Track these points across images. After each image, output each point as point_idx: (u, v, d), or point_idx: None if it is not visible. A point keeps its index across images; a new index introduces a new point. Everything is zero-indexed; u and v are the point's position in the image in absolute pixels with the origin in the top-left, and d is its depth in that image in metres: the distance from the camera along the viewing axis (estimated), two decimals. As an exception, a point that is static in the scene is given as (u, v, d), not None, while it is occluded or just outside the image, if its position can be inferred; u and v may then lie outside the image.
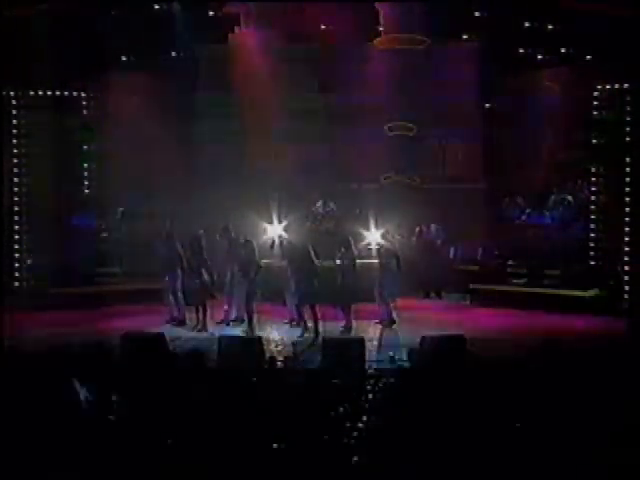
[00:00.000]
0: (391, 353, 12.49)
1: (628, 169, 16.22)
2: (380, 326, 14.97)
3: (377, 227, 15.73)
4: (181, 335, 14.36)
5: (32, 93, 17.46)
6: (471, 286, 17.41)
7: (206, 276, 14.90)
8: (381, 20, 19.96)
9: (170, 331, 14.05)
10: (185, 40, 19.20)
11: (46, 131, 17.25)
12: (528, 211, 17.77)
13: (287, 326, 15.05)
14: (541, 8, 18.37)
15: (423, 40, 19.45)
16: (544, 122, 19.27)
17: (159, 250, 15.43)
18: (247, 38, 20.04)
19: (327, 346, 12.33)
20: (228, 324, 15.10)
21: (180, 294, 15.23)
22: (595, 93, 17.29)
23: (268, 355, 12.09)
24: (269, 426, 7.59)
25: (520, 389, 8.72)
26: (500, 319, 15.68)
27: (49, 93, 17.67)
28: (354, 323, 14.56)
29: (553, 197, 17.74)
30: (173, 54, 20.01)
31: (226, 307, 15.29)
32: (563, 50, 19.18)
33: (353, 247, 14.73)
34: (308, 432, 7.49)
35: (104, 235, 18.09)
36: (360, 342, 12.47)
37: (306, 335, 14.22)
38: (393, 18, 19.85)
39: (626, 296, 16.06)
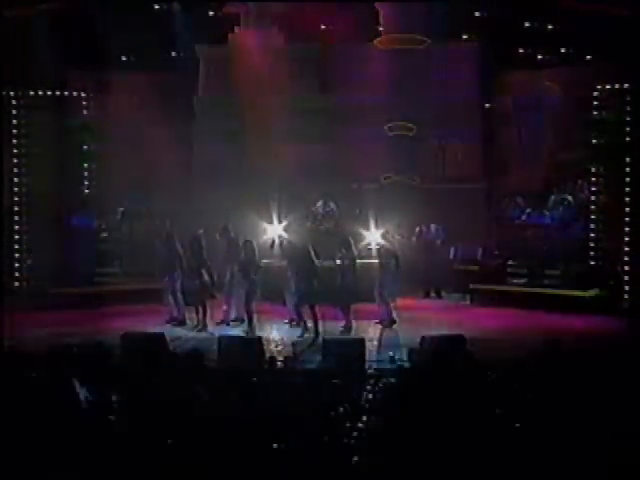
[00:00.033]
0: (391, 353, 12.48)
1: (628, 169, 16.22)
2: (380, 326, 14.97)
3: (377, 227, 15.73)
4: (181, 335, 14.36)
5: (32, 93, 17.46)
6: (471, 286, 17.41)
7: (206, 276, 14.91)
8: (381, 20, 19.98)
9: (170, 331, 14.05)
10: (185, 40, 19.20)
11: (46, 131, 17.26)
12: (528, 211, 17.76)
13: (287, 326, 15.05)
14: (541, 8, 18.40)
15: (423, 40, 19.44)
16: (544, 122, 19.28)
17: (159, 250, 15.44)
18: (247, 38, 20.04)
19: (327, 346, 12.33)
20: (228, 324, 15.10)
21: (180, 294, 15.23)
22: (595, 93, 17.29)
23: (268, 355, 12.09)
24: (269, 426, 7.59)
25: (520, 389, 8.72)
26: (500, 319, 15.68)
27: (49, 93, 17.67)
28: (354, 323, 14.57)
29: (553, 197, 17.73)
30: (173, 54, 20.01)
31: (225, 307, 15.29)
32: (563, 50, 19.20)
33: (353, 247, 14.73)
34: (308, 432, 7.48)
35: (104, 235, 18.08)
36: (360, 342, 12.47)
37: (306, 335, 14.22)
38: (393, 18, 19.86)
39: (626, 296, 16.06)
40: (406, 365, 11.33)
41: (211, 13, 20.05)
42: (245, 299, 14.54)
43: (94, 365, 9.38)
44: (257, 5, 20.00)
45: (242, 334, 14.13)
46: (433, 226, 18.28)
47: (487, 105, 20.22)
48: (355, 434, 7.66)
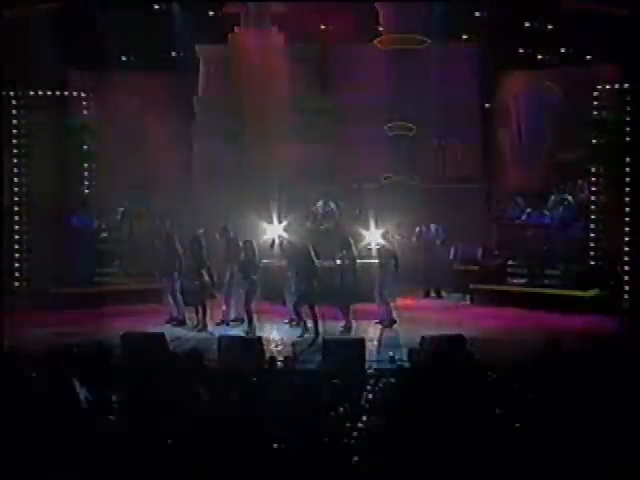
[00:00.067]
0: (391, 353, 12.49)
1: (628, 169, 16.22)
2: (380, 326, 14.97)
3: (377, 227, 15.72)
4: (181, 335, 14.37)
5: (32, 93, 17.45)
6: (471, 286, 17.40)
7: (206, 277, 14.91)
8: (381, 20, 19.96)
9: (170, 331, 14.06)
10: (185, 40, 19.19)
11: (46, 131, 17.26)
12: (528, 211, 17.74)
13: (287, 326, 15.05)
14: (541, 8, 18.39)
15: (423, 40, 19.41)
16: (544, 122, 19.27)
17: (159, 250, 15.45)
18: (247, 38, 20.03)
19: (327, 346, 12.34)
20: (228, 324, 15.09)
21: (179, 294, 15.23)
22: (595, 93, 17.29)
23: (268, 355, 12.09)
24: (269, 426, 7.59)
25: (520, 389, 8.72)
26: (500, 319, 15.68)
27: (49, 93, 17.66)
28: (354, 323, 14.57)
29: (553, 197, 17.71)
30: (173, 54, 20.00)
31: (224, 307, 15.28)
32: (563, 50, 19.18)
33: (353, 247, 14.73)
34: (308, 432, 7.48)
35: (104, 235, 18.06)
36: (360, 342, 12.48)
37: (306, 335, 14.22)
38: (393, 18, 19.84)
39: (626, 296, 16.05)
40: (406, 365, 11.33)
41: (211, 13, 20.02)
42: (245, 299, 14.54)
43: (94, 365, 9.38)
44: (257, 5, 19.98)
45: (242, 334, 14.12)
46: (433, 226, 18.27)
47: (487, 105, 20.21)
48: (355, 434, 7.66)
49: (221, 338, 12.71)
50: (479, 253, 18.25)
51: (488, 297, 16.99)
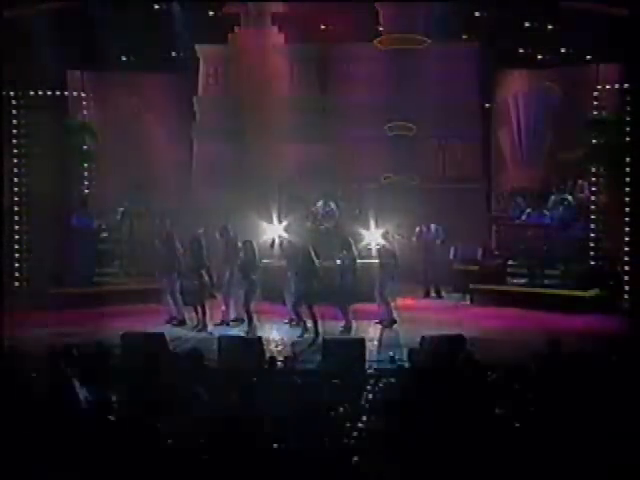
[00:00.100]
0: (391, 353, 12.49)
1: (628, 169, 16.21)
2: (380, 326, 14.97)
3: (377, 227, 15.72)
4: (181, 335, 14.37)
5: (32, 93, 17.45)
6: (471, 286, 17.39)
7: (206, 277, 14.92)
8: (381, 20, 19.95)
9: (170, 331, 14.06)
10: (185, 40, 19.18)
11: (46, 131, 17.26)
12: (528, 211, 17.72)
13: (287, 326, 15.05)
14: (541, 8, 18.39)
15: (423, 40, 19.42)
16: (544, 122, 19.26)
17: (159, 250, 15.45)
18: (247, 38, 20.03)
19: (327, 346, 12.34)
20: (228, 324, 15.09)
21: (178, 294, 15.22)
22: (595, 93, 17.30)
23: (268, 355, 12.08)
24: (269, 426, 7.59)
25: (520, 389, 8.72)
26: (500, 319, 15.68)
27: (49, 93, 17.66)
28: (354, 323, 14.57)
29: (553, 197, 17.70)
30: (173, 54, 20.00)
31: (223, 307, 15.28)
32: (563, 50, 19.18)
33: (353, 247, 14.74)
34: (308, 432, 7.48)
35: (104, 235, 18.05)
36: (360, 342, 12.48)
37: (306, 335, 14.22)
38: (393, 18, 19.83)
39: (626, 296, 16.05)
40: (406, 365, 11.33)
41: (211, 13, 20.00)
42: (244, 299, 14.55)
43: (94, 365, 9.39)
44: (257, 5, 19.96)
45: (242, 334, 14.12)
46: (433, 226, 18.26)
47: (487, 105, 20.20)
48: (355, 434, 7.66)
49: (221, 338, 12.71)
50: (479, 253, 18.25)
51: (488, 297, 16.98)
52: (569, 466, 7.03)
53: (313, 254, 14.45)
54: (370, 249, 15.67)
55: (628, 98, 16.25)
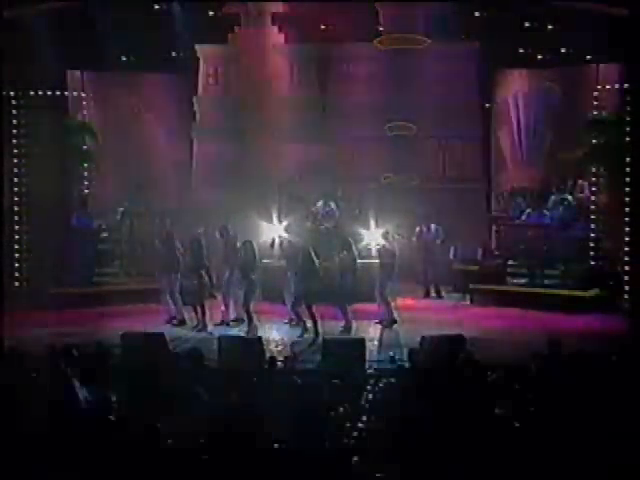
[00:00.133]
0: (391, 353, 12.48)
1: (628, 169, 16.20)
2: (380, 326, 14.97)
3: (377, 227, 15.72)
4: (181, 335, 14.37)
5: (32, 93, 17.44)
6: (471, 286, 17.39)
7: (205, 277, 14.92)
8: (381, 20, 19.95)
9: (170, 331, 14.05)
10: (185, 40, 19.17)
11: (46, 131, 17.25)
12: (528, 211, 17.72)
13: (287, 326, 15.05)
14: (541, 8, 18.38)
15: (423, 40, 19.42)
16: (544, 122, 19.26)
17: (159, 249, 15.45)
18: (247, 38, 20.03)
19: (327, 346, 12.34)
20: (228, 324, 15.09)
21: (178, 294, 15.22)
22: (595, 93, 17.29)
23: (268, 355, 12.08)
24: (269, 426, 7.59)
25: (520, 389, 8.72)
26: (500, 319, 15.68)
27: (49, 93, 17.65)
28: (354, 323, 14.56)
29: (553, 197, 17.69)
30: (173, 54, 19.99)
31: (223, 307, 15.28)
32: (563, 50, 19.18)
33: (353, 247, 14.74)
34: (308, 432, 7.48)
35: (104, 235, 18.05)
36: (360, 342, 12.48)
37: (306, 335, 14.22)
38: (393, 18, 19.83)
39: (626, 296, 16.04)
40: (406, 365, 11.33)
41: (211, 13, 20.00)
42: (243, 299, 14.54)
43: (94, 365, 9.39)
44: (257, 5, 19.96)
45: (242, 334, 14.12)
46: (433, 226, 18.25)
47: (487, 105, 20.20)
48: (355, 434, 7.67)
49: (221, 338, 12.71)
50: (479, 253, 18.25)
51: (488, 297, 16.98)
52: (569, 466, 7.03)
53: (313, 254, 14.45)
54: (370, 249, 15.66)
55: (628, 98, 16.23)
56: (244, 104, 19.58)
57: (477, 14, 19.45)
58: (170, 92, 19.87)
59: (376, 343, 13.90)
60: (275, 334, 14.55)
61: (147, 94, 19.72)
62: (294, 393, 8.53)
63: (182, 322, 15.13)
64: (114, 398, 8.42)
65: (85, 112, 18.65)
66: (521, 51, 19.58)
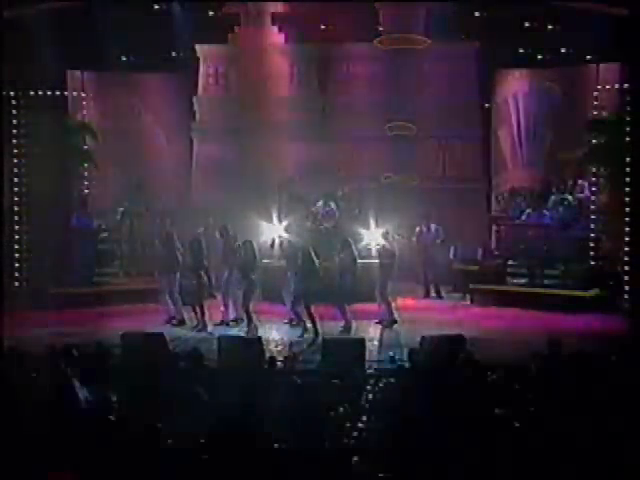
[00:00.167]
0: (391, 353, 12.47)
1: (628, 169, 16.20)
2: (380, 326, 14.97)
3: (377, 227, 15.71)
4: (181, 335, 14.36)
5: (32, 93, 17.44)
6: (471, 286, 17.39)
7: (204, 277, 14.92)
8: (381, 20, 19.96)
9: (170, 331, 14.05)
10: (185, 40, 19.18)
11: (46, 131, 17.24)
12: (528, 211, 17.73)
13: (287, 326, 15.04)
14: (541, 8, 18.39)
15: (423, 40, 19.43)
16: (544, 122, 19.27)
17: (159, 250, 15.45)
18: (247, 38, 20.03)
19: (327, 346, 12.33)
20: (227, 324, 15.08)
21: (177, 294, 15.22)
22: (595, 93, 17.29)
23: (268, 355, 12.08)
24: (269, 426, 7.59)
25: (520, 389, 8.72)
26: (500, 319, 15.68)
27: (49, 93, 17.65)
28: (354, 323, 14.56)
29: (553, 197, 17.70)
30: (173, 54, 20.00)
31: (222, 307, 15.28)
32: (563, 50, 19.18)
33: (353, 247, 14.74)
34: (308, 432, 7.49)
35: (104, 235, 18.05)
36: (360, 342, 12.47)
37: (306, 335, 14.22)
38: (393, 18, 19.84)
39: (626, 296, 16.04)
40: (406, 365, 11.33)
41: (211, 13, 20.01)
42: (242, 299, 14.54)
43: (94, 365, 9.39)
44: (257, 5, 19.97)
45: (242, 334, 14.12)
46: (433, 226, 18.25)
47: (487, 105, 20.21)
48: (355, 434, 7.67)
49: (221, 338, 12.70)
50: (479, 253, 18.25)
51: (488, 297, 16.97)
52: (569, 466, 7.03)
53: (313, 254, 14.45)
54: (370, 249, 15.65)
55: (628, 98, 16.23)
56: (244, 104, 19.58)
57: (477, 14, 19.46)
58: (170, 92, 19.87)
59: (376, 343, 13.89)
60: (275, 334, 14.54)
61: (147, 94, 19.72)
62: (294, 393, 8.53)
63: (182, 322, 15.12)
64: (114, 398, 8.42)
65: (85, 112, 18.66)
66: (521, 51, 19.60)
